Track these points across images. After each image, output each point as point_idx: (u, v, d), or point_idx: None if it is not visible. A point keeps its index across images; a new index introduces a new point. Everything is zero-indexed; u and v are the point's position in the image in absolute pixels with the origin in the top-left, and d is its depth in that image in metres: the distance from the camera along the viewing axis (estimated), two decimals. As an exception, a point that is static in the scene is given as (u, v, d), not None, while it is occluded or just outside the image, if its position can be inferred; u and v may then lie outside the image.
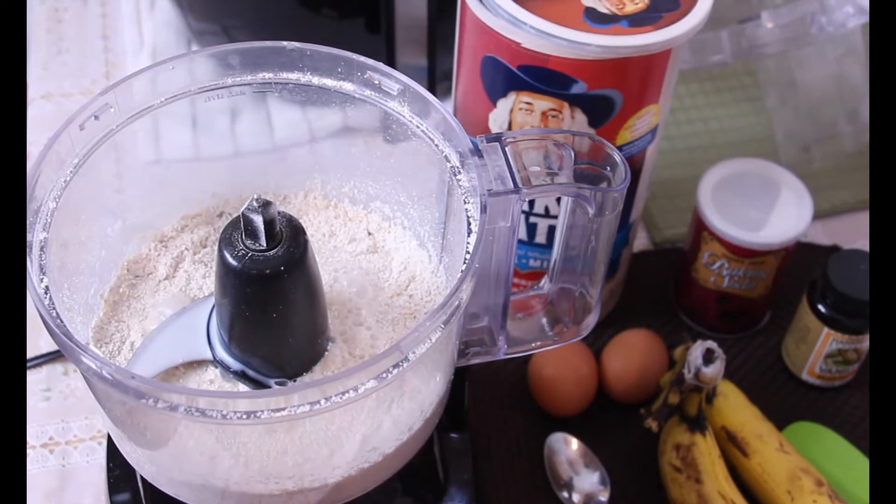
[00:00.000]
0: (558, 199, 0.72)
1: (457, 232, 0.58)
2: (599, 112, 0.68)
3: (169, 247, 0.65)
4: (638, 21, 0.65)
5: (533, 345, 0.65)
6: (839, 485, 0.74)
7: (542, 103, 0.67)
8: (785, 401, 0.82)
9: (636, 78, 0.67)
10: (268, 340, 0.56)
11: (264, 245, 0.53)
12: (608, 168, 0.58)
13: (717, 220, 0.79)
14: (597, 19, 0.65)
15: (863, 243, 0.90)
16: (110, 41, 1.05)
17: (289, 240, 0.53)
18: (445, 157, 0.59)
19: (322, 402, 0.49)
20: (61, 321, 0.51)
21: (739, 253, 0.79)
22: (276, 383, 0.56)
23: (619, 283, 0.84)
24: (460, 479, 0.71)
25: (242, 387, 0.57)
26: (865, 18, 0.82)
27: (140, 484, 0.68)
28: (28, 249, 0.53)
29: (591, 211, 0.59)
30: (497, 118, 0.70)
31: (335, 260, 0.65)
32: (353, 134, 0.65)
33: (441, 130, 0.59)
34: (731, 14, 0.90)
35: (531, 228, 0.75)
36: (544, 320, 0.65)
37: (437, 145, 0.60)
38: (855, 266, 0.77)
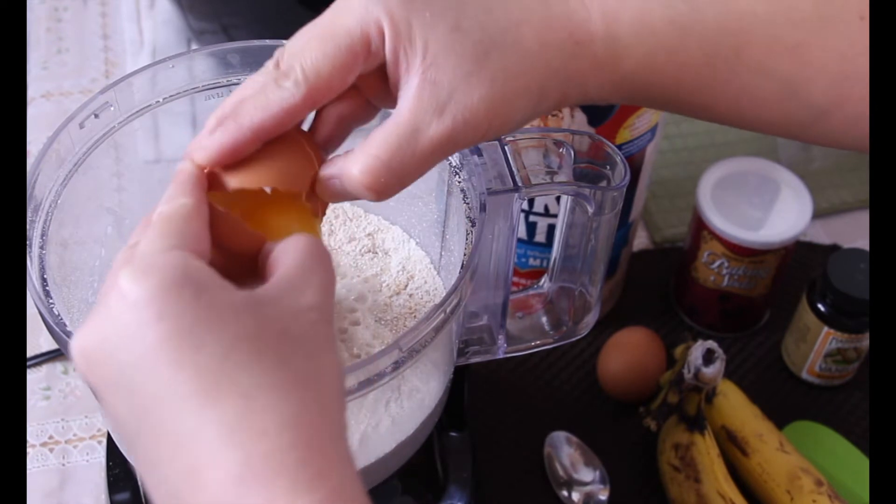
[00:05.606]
0: (558, 198, 0.72)
1: (456, 231, 0.58)
2: (599, 111, 0.68)
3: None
4: (638, 20, 0.65)
5: (532, 344, 0.65)
6: (839, 484, 0.74)
7: (542, 102, 0.67)
8: (785, 400, 0.82)
9: (636, 77, 0.67)
10: (267, 339, 0.55)
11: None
12: (608, 167, 0.58)
13: (717, 220, 0.79)
14: (596, 18, 0.65)
15: (862, 242, 0.90)
16: (110, 40, 1.05)
17: (288, 238, 0.53)
18: (445, 155, 0.59)
19: (321, 400, 0.49)
20: (61, 320, 0.51)
21: (739, 252, 0.79)
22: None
23: (618, 282, 0.84)
24: (460, 477, 0.70)
25: (242, 385, 0.57)
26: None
27: (140, 483, 0.68)
28: (28, 248, 0.53)
29: (590, 210, 0.59)
30: (497, 117, 0.70)
31: (334, 259, 0.65)
32: (353, 133, 0.65)
33: (441, 129, 0.59)
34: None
35: (531, 227, 0.75)
36: (544, 319, 0.65)
37: (436, 144, 0.59)
38: (854, 265, 0.77)
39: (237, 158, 0.47)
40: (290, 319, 0.41)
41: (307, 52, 0.47)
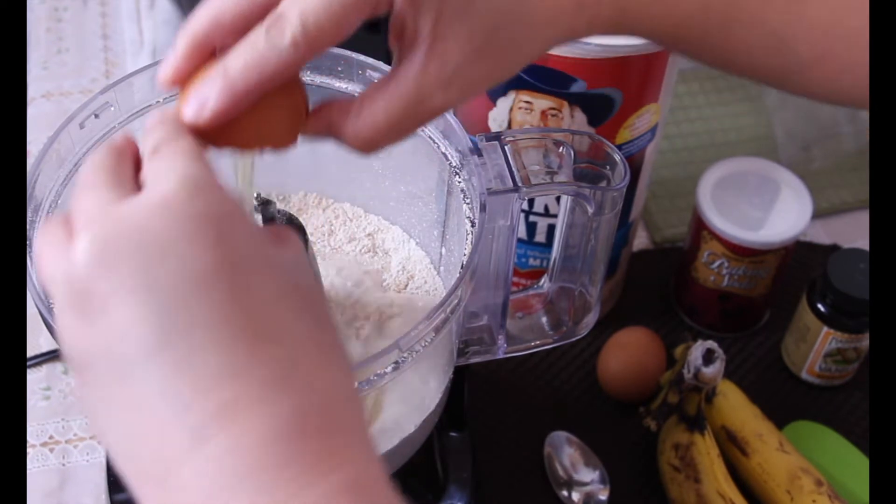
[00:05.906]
0: (558, 198, 0.72)
1: (456, 231, 0.58)
2: (599, 111, 0.68)
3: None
4: (638, 20, 0.65)
5: (532, 344, 0.65)
6: (839, 484, 0.74)
7: (542, 102, 0.67)
8: (784, 400, 0.82)
9: (636, 77, 0.67)
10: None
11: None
12: (608, 167, 0.58)
13: (717, 220, 0.79)
14: (596, 18, 0.65)
15: (862, 242, 0.89)
16: (110, 40, 1.05)
17: (288, 238, 0.53)
18: (445, 155, 0.59)
19: (321, 400, 0.49)
20: (61, 320, 0.51)
21: (739, 252, 0.79)
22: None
23: (618, 282, 0.84)
24: (460, 477, 0.71)
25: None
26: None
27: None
28: (28, 248, 0.53)
29: (590, 210, 0.59)
30: (497, 117, 0.70)
31: (334, 259, 0.65)
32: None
33: (440, 129, 0.59)
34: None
35: (531, 227, 0.75)
36: (544, 319, 0.65)
37: (436, 144, 0.60)
38: (854, 265, 0.77)
39: (229, 119, 0.44)
40: (315, 291, 0.41)
41: (308, 3, 0.43)
